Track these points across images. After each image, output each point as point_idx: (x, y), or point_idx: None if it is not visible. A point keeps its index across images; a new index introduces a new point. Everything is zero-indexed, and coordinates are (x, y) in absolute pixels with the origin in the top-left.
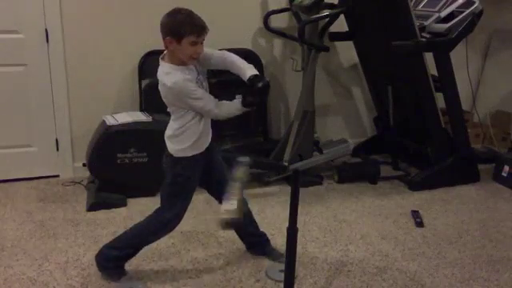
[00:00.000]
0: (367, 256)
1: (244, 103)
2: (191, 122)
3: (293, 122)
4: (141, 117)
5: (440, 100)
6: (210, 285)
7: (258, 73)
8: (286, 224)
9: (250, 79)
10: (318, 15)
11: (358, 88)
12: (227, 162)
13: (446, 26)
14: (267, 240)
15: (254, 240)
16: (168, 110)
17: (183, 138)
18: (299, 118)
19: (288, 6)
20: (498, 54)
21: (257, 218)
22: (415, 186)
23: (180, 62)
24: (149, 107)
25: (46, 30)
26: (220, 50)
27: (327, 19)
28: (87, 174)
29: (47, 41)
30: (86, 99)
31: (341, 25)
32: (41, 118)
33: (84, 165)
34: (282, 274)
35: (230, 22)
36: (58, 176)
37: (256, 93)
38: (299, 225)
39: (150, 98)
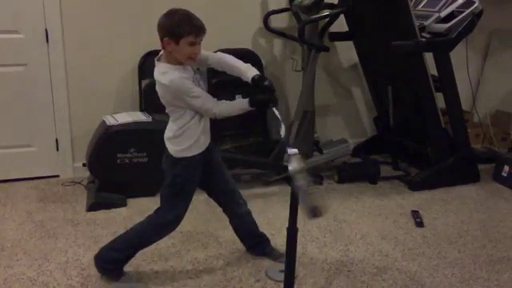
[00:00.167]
0: (367, 256)
1: (252, 102)
2: (190, 123)
3: (293, 121)
4: (141, 117)
5: (440, 100)
6: (210, 285)
7: (259, 72)
8: (286, 224)
9: (254, 79)
10: (318, 15)
11: (357, 88)
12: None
13: (446, 26)
14: (267, 240)
15: (254, 241)
16: (167, 111)
17: (183, 138)
18: (299, 118)
19: (288, 6)
20: (497, 53)
21: (257, 218)
22: (415, 185)
23: (177, 63)
24: (149, 107)
25: (46, 30)
26: (220, 50)
27: (327, 19)
28: (87, 174)
29: (47, 41)
30: (86, 99)
31: (341, 25)
32: (41, 118)
33: (84, 165)
34: (282, 274)
35: (230, 22)
36: (58, 176)
37: (265, 91)
38: (299, 225)
39: (150, 98)
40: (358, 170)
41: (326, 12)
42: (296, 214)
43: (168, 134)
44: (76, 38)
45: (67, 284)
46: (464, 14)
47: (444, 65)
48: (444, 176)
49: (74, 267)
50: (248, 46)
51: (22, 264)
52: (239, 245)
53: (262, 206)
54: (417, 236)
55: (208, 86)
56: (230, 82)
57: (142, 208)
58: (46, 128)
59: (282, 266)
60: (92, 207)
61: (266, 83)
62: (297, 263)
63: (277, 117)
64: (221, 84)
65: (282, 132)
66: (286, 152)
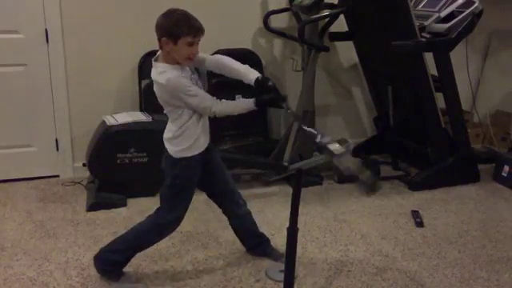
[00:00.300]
0: (367, 256)
1: (259, 102)
2: (189, 122)
3: (293, 122)
4: (141, 117)
5: (440, 100)
6: (210, 285)
7: (259, 74)
8: (286, 224)
9: (258, 80)
10: (318, 15)
11: (358, 88)
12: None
13: (446, 26)
14: (267, 240)
15: (254, 241)
16: (165, 111)
17: (183, 138)
18: (299, 118)
19: (288, 6)
20: (497, 53)
21: (257, 218)
22: (415, 185)
23: (174, 62)
24: (149, 107)
25: (46, 30)
26: (220, 49)
27: (327, 19)
28: (87, 174)
29: (47, 41)
30: (86, 99)
31: (341, 25)
32: (41, 118)
33: (84, 165)
34: (282, 274)
35: (230, 22)
36: (58, 176)
37: (269, 91)
38: (299, 225)
39: (150, 98)
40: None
41: (326, 12)
42: (297, 214)
43: (167, 134)
44: (76, 38)
45: (67, 284)
46: (464, 14)
47: (444, 65)
48: (444, 176)
49: (74, 267)
50: (248, 46)
51: (22, 264)
52: (239, 245)
53: (261, 206)
54: (417, 236)
55: (208, 86)
56: (230, 82)
57: (142, 208)
58: (45, 128)
59: (282, 266)
60: (92, 207)
61: (270, 83)
62: (297, 263)
63: (307, 130)
64: (221, 84)
65: (319, 138)
66: (323, 142)
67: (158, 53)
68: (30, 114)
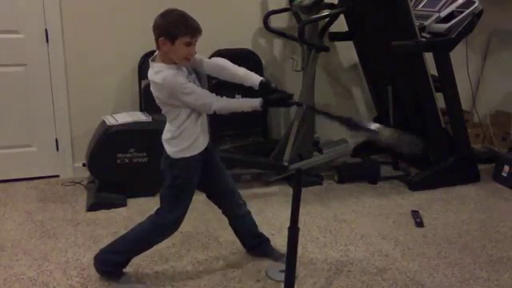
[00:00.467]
0: (367, 256)
1: (267, 101)
2: (187, 122)
3: (293, 121)
4: (141, 117)
5: (440, 100)
6: (210, 285)
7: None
8: (286, 224)
9: (263, 83)
10: (318, 15)
11: (358, 88)
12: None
13: (446, 26)
14: (267, 240)
15: (254, 241)
16: (163, 112)
17: (181, 138)
18: (299, 118)
19: (288, 6)
20: (497, 53)
21: (257, 218)
22: (415, 185)
23: (171, 63)
24: (149, 107)
25: (46, 30)
26: (220, 50)
27: (327, 19)
28: (87, 174)
29: (47, 41)
30: (86, 99)
31: (341, 25)
32: (41, 118)
33: (84, 165)
34: (282, 274)
35: (230, 21)
36: (57, 176)
37: (274, 92)
38: (299, 225)
39: (150, 98)
40: (357, 170)
41: (326, 12)
42: (298, 214)
43: (166, 135)
44: (76, 38)
45: (67, 284)
46: (464, 14)
47: (444, 65)
48: (444, 176)
49: (74, 267)
50: (248, 46)
51: (22, 264)
52: (239, 245)
53: (261, 206)
54: (417, 236)
55: (208, 87)
56: (230, 82)
57: (142, 208)
58: (45, 128)
59: (282, 266)
60: (92, 207)
61: (273, 85)
62: (297, 263)
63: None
64: (221, 84)
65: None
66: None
67: (156, 53)
68: (30, 114)
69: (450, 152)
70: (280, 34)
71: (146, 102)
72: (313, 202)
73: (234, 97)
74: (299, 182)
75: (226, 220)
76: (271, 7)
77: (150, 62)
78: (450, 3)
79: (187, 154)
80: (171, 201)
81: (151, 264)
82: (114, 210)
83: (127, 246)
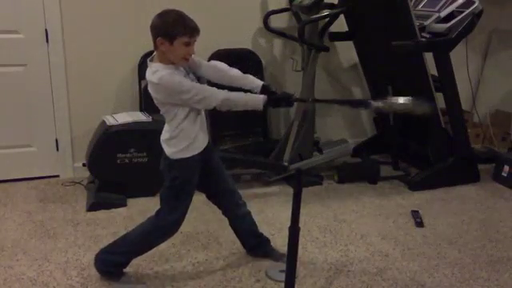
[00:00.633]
0: (367, 256)
1: (271, 100)
2: (185, 121)
3: (293, 122)
4: (141, 117)
5: (440, 100)
6: (210, 285)
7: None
8: (286, 224)
9: (265, 86)
10: (318, 15)
11: (357, 88)
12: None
13: (446, 26)
14: (267, 240)
15: (254, 241)
16: (161, 112)
17: (180, 139)
18: (299, 118)
19: (288, 6)
20: (497, 53)
21: (257, 218)
22: (415, 185)
23: (169, 62)
24: (149, 107)
25: (46, 30)
26: (219, 50)
27: (327, 19)
28: (87, 174)
29: (47, 41)
30: (86, 99)
31: (341, 25)
32: (41, 118)
33: (84, 165)
34: (282, 274)
35: (230, 22)
36: (58, 176)
37: (283, 93)
38: (299, 225)
39: (150, 98)
40: (358, 170)
41: (326, 12)
42: (298, 214)
43: (165, 135)
44: (76, 38)
45: (67, 284)
46: (464, 14)
47: (444, 65)
48: (444, 176)
49: (74, 267)
50: (248, 46)
51: (22, 264)
52: (239, 245)
53: (261, 206)
54: (417, 236)
55: None
56: None
57: (142, 208)
58: (45, 128)
59: (282, 266)
60: (92, 207)
61: (274, 89)
62: (297, 263)
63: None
64: (220, 85)
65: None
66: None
67: (154, 54)
68: (30, 114)
69: (450, 152)
70: (280, 34)
71: (146, 101)
72: (313, 201)
73: None
74: (299, 181)
75: (225, 220)
76: (271, 7)
77: (148, 62)
78: (450, 3)
79: (186, 155)
80: (171, 202)
81: (151, 264)
82: (113, 210)
83: (128, 246)
